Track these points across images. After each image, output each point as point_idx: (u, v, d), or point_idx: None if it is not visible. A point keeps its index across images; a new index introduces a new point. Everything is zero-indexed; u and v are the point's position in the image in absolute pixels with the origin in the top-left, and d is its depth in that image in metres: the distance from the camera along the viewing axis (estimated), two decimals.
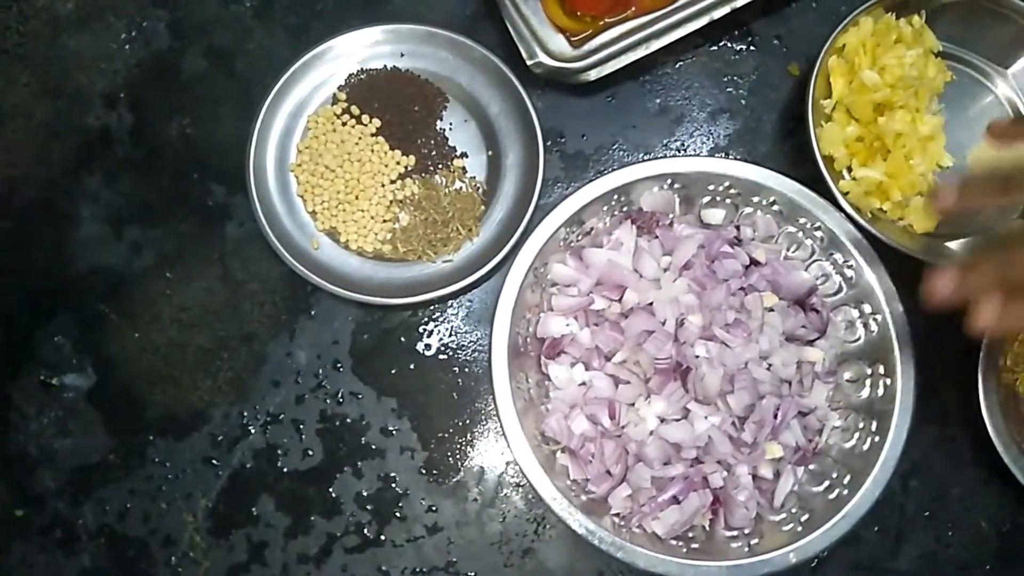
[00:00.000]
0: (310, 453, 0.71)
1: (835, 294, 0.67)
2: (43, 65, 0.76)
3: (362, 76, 0.73)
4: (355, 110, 0.72)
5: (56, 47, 0.76)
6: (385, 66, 0.73)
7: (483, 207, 0.71)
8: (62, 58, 0.76)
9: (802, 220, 0.66)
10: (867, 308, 0.65)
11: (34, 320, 0.72)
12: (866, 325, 0.65)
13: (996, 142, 0.59)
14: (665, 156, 0.75)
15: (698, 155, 0.75)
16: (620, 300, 0.65)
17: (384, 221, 0.71)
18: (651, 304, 0.64)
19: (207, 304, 0.72)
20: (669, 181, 0.66)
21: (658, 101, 0.75)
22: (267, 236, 0.69)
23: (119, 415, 0.71)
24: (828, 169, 0.67)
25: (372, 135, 0.72)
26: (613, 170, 0.66)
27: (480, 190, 0.72)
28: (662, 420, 0.64)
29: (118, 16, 0.76)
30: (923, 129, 0.68)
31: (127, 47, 0.76)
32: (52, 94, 0.75)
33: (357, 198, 0.71)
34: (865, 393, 0.65)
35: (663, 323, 0.64)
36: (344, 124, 0.72)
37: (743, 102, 0.75)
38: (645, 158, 0.74)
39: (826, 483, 0.64)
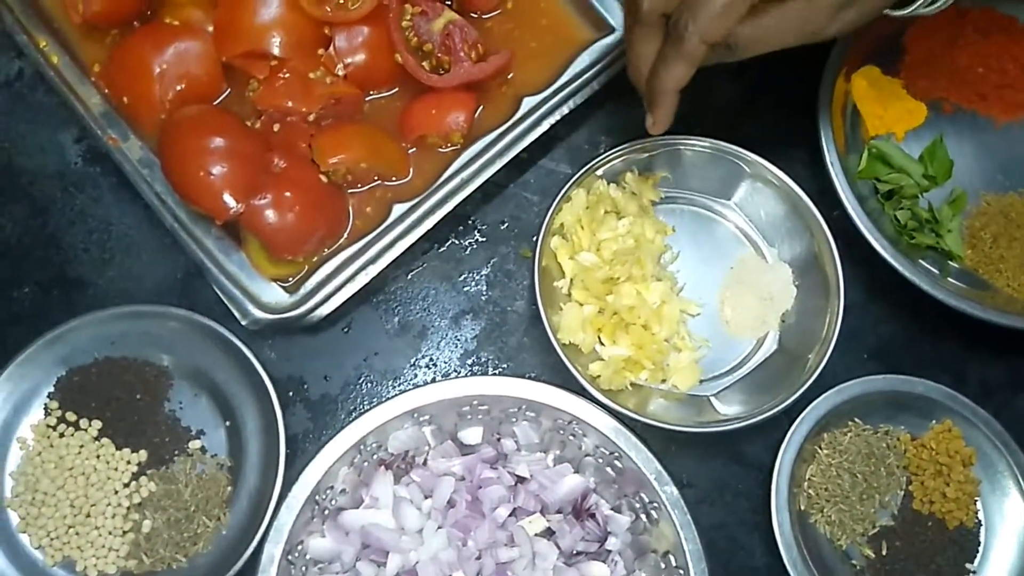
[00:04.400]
0: None
1: (610, 488, 0.64)
2: None
3: (73, 377, 0.67)
4: (71, 416, 0.66)
5: None
6: (96, 358, 0.67)
7: (230, 487, 0.66)
8: None
9: (558, 419, 0.63)
10: (644, 497, 0.62)
11: None
12: (647, 515, 0.62)
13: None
14: (415, 377, 0.71)
15: (448, 367, 0.71)
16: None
17: (125, 533, 0.64)
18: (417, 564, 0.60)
19: None
20: (415, 415, 0.63)
21: (396, 320, 0.72)
22: None
23: None
24: (572, 359, 0.65)
25: (94, 439, 0.66)
26: (365, 410, 0.63)
27: (225, 467, 0.66)
28: None
29: None
30: (652, 298, 0.67)
31: None
32: None
33: (89, 516, 0.64)
34: None
35: None
36: (61, 435, 0.66)
37: (483, 298, 0.73)
38: (395, 385, 0.71)
39: None
